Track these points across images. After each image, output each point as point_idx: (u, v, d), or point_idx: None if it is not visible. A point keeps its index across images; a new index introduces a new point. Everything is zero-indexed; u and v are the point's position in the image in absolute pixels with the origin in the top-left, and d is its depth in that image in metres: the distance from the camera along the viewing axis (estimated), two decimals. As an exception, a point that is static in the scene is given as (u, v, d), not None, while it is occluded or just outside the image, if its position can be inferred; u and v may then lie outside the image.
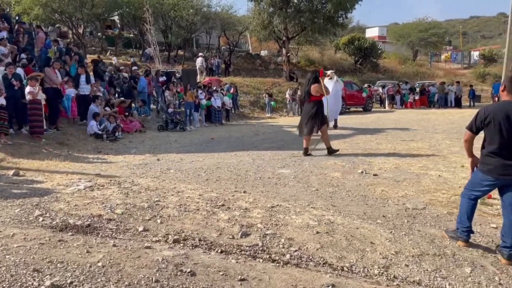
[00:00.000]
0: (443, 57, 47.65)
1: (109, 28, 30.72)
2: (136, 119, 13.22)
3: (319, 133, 8.47)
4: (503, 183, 3.68)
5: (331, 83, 11.86)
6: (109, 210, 4.38)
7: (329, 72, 12.73)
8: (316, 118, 8.25)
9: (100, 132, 10.46)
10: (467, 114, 18.80)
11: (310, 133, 8.31)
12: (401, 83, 27.56)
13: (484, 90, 31.22)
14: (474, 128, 3.79)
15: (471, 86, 27.84)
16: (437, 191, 5.70)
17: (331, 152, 8.42)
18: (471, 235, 3.93)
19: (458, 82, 27.21)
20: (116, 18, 29.41)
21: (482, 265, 3.60)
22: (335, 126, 13.26)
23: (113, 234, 3.80)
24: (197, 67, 23.83)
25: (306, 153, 8.36)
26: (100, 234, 3.78)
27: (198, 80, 19.77)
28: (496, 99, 26.37)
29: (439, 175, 6.57)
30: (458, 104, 25.22)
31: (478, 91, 29.73)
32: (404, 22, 49.21)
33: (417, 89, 26.41)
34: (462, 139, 9.72)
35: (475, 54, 47.29)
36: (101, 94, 12.11)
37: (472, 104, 25.63)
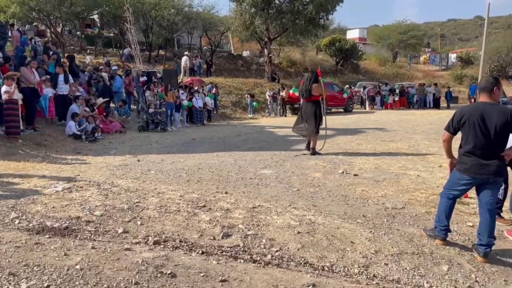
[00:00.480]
0: (422, 59, 48.49)
1: (89, 27, 30.25)
2: (117, 119, 13.04)
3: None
4: (479, 182, 3.77)
5: None
6: (87, 212, 4.30)
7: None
8: (319, 117, 8.56)
9: (79, 133, 10.28)
10: (445, 115, 19.18)
11: (317, 132, 8.58)
12: (381, 84, 27.94)
13: (461, 91, 31.89)
14: (451, 128, 3.88)
15: (448, 87, 28.43)
16: (415, 190, 5.79)
17: (314, 153, 8.49)
18: (449, 233, 4.01)
19: (436, 84, 27.73)
20: (95, 17, 29.00)
21: (459, 263, 3.67)
22: None
23: (92, 236, 3.74)
24: (182, 66, 24.20)
25: (314, 153, 8.49)
26: (79, 236, 3.71)
27: (180, 80, 19.75)
28: (473, 100, 27.03)
29: (418, 175, 6.68)
30: (436, 105, 25.73)
31: (455, 93, 30.40)
32: (384, 24, 49.89)
33: (397, 90, 26.82)
34: (440, 139, 9.89)
35: (452, 56, 48.32)
36: (80, 94, 11.89)
37: (448, 105, 26.18)
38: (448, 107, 25.64)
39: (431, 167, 7.28)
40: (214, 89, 19.71)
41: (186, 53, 26.56)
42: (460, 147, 3.87)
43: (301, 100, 9.00)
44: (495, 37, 43.00)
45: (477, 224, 4.61)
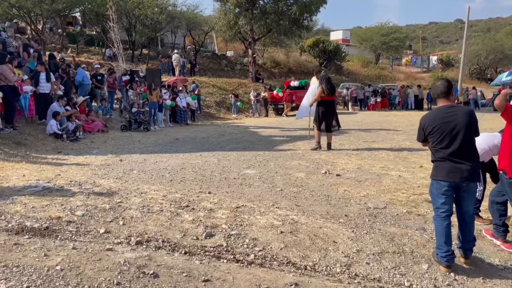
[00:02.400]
0: (404, 61, 49.27)
1: (70, 24, 29.73)
2: (100, 119, 12.87)
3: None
4: (454, 187, 3.63)
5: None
6: (68, 212, 4.25)
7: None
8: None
9: (60, 132, 10.10)
10: (426, 116, 19.50)
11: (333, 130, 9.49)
12: (363, 85, 28.25)
13: (442, 93, 32.44)
14: (421, 138, 3.90)
15: (429, 89, 28.87)
16: (397, 190, 5.88)
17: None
18: (455, 258, 3.64)
19: (419, 85, 28.19)
20: (77, 14, 28.52)
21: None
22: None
23: (73, 237, 3.69)
24: (174, 64, 24.45)
25: (330, 147, 9.29)
26: (59, 236, 3.67)
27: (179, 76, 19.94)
28: (456, 101, 27.55)
29: (399, 175, 6.78)
30: (419, 106, 26.11)
31: (436, 95, 30.86)
32: (367, 26, 50.50)
33: (377, 91, 27.17)
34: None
35: (433, 59, 49.20)
36: (61, 93, 11.69)
37: (430, 107, 26.60)
38: (429, 109, 26.03)
39: (412, 168, 7.39)
40: (198, 89, 19.68)
41: (175, 51, 26.74)
42: (432, 158, 3.81)
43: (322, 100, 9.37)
44: (475, 40, 44.01)
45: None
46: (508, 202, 4.18)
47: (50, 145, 9.31)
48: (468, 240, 3.70)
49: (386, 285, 3.31)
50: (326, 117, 9.30)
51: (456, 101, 27.44)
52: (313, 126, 9.58)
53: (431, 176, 3.83)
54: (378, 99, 26.29)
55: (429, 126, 3.73)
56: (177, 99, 16.31)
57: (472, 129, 3.63)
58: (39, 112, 11.05)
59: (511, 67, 11.29)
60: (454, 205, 3.75)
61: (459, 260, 3.73)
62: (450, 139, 3.60)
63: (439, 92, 3.80)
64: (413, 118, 18.53)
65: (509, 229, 4.39)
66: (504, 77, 11.68)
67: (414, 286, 3.31)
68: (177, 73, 24.19)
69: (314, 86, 11.35)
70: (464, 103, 26.87)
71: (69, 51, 24.90)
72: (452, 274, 3.53)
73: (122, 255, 3.31)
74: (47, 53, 16.56)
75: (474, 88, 28.33)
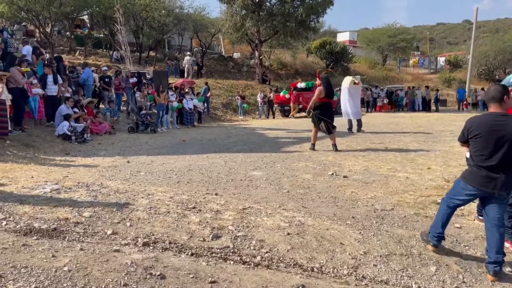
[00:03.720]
0: (411, 62, 49.04)
1: (78, 27, 29.99)
2: (107, 121, 12.94)
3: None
4: (483, 195, 3.66)
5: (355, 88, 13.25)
6: (76, 213, 4.27)
7: (357, 80, 13.77)
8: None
9: (69, 133, 10.18)
10: (433, 118, 19.41)
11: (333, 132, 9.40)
12: (370, 87, 28.15)
13: (450, 94, 32.25)
14: (462, 139, 3.82)
15: (437, 90, 28.72)
16: (404, 192, 5.84)
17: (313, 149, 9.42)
18: (442, 241, 3.91)
19: (427, 86, 28.00)
20: (85, 17, 28.78)
21: (447, 264, 3.71)
22: (355, 129, 13.38)
23: (81, 238, 3.71)
24: (186, 67, 25.21)
25: (336, 148, 9.30)
26: (67, 238, 3.68)
27: (187, 78, 20.34)
28: (465, 102, 27.34)
29: (407, 177, 6.74)
30: (426, 107, 25.90)
31: (444, 96, 30.73)
32: (374, 27, 50.34)
33: (387, 93, 27.06)
34: (428, 141, 9.94)
35: (441, 60, 48.94)
36: (69, 95, 11.78)
37: (437, 108, 26.42)
38: (437, 110, 25.87)
39: (419, 169, 7.34)
40: (209, 92, 19.84)
41: (188, 53, 27.57)
42: (470, 157, 3.74)
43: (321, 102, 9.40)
44: (483, 41, 43.73)
45: (465, 225, 4.70)
46: None
47: (58, 146, 9.38)
48: (496, 252, 3.50)
49: (393, 287, 3.29)
50: (325, 120, 9.22)
51: (464, 102, 27.31)
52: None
53: (462, 178, 3.78)
54: (385, 101, 26.17)
55: (475, 130, 3.61)
56: (184, 101, 16.36)
57: None
58: (47, 114, 11.15)
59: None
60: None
61: (488, 278, 3.50)
62: (494, 149, 3.48)
63: (490, 96, 3.64)
64: (420, 120, 18.45)
65: (518, 231, 4.35)
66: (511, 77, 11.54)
67: (422, 288, 3.29)
68: (190, 76, 24.77)
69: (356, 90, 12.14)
70: (472, 105, 26.70)
71: (77, 54, 25.13)
72: (460, 276, 3.50)
73: (129, 256, 3.31)
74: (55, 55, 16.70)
75: (482, 89, 28.12)
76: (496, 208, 3.57)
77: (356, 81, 13.47)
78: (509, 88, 3.97)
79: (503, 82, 13.42)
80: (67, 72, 13.92)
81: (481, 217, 4.82)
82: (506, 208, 4.28)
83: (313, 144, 9.48)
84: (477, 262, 3.78)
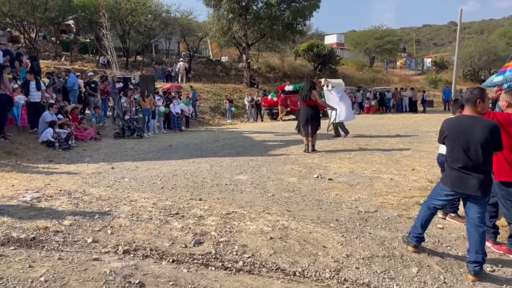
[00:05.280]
0: (398, 63, 49.36)
1: (64, 32, 29.71)
2: (93, 127, 12.82)
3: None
4: (461, 196, 3.71)
5: (331, 94, 12.85)
6: (56, 222, 4.20)
7: (322, 81, 13.46)
8: (318, 120, 9.68)
9: (53, 140, 10.05)
10: (420, 119, 19.57)
11: (314, 133, 9.63)
12: (358, 89, 28.32)
13: (436, 95, 32.57)
14: (440, 141, 3.88)
15: (423, 91, 29.00)
16: (388, 194, 5.87)
17: (314, 150, 9.63)
18: (422, 242, 3.96)
19: (412, 88, 28.28)
20: (71, 22, 28.52)
21: (428, 265, 3.73)
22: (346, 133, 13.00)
23: (60, 247, 3.65)
24: (179, 72, 25.77)
25: (313, 149, 9.64)
26: (46, 247, 3.62)
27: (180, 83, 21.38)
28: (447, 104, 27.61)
29: (391, 179, 6.77)
30: (413, 109, 26.14)
31: (430, 97, 31.03)
32: (361, 30, 50.61)
33: (376, 95, 27.24)
34: (414, 142, 9.98)
35: (427, 61, 49.34)
36: (53, 101, 11.65)
37: (424, 109, 26.67)
38: (424, 111, 26.11)
39: (404, 171, 7.39)
40: (197, 96, 19.85)
41: (181, 59, 28.12)
42: (446, 159, 3.80)
43: (300, 104, 9.99)
44: (468, 42, 44.23)
45: (447, 226, 4.73)
46: (499, 204, 4.17)
47: (41, 153, 9.25)
48: (476, 252, 3.52)
49: (375, 290, 3.29)
50: (303, 121, 9.67)
51: (451, 102, 27.59)
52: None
53: (440, 179, 3.88)
54: (373, 102, 26.35)
55: (446, 131, 3.70)
56: (171, 105, 16.29)
57: (489, 144, 3.46)
58: (30, 120, 11.00)
59: (501, 68, 11.28)
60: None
61: (468, 278, 3.52)
62: (463, 150, 3.54)
63: (465, 99, 3.69)
64: (407, 121, 18.60)
65: (499, 230, 4.39)
66: (494, 77, 11.71)
67: (403, 290, 3.29)
68: (184, 80, 25.36)
69: (332, 96, 12.47)
70: (458, 105, 26.97)
71: (63, 59, 24.87)
72: (441, 277, 3.52)
73: (109, 264, 3.27)
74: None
75: (468, 89, 28.44)
76: (475, 208, 3.59)
77: (322, 82, 13.37)
78: (495, 89, 4.03)
79: (485, 82, 13.58)
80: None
81: (452, 214, 4.90)
82: (488, 208, 4.33)
83: (313, 146, 9.70)
84: (459, 262, 3.80)
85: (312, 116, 9.55)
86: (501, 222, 4.51)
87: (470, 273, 3.53)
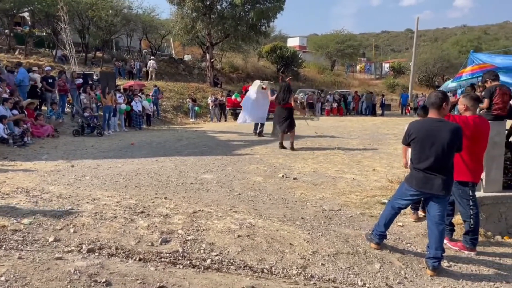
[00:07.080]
0: (358, 67, 50.72)
1: (18, 25, 28.38)
2: (51, 124, 12.32)
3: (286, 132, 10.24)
4: (425, 196, 3.85)
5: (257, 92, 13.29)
6: (14, 221, 4.03)
7: (265, 84, 13.84)
8: (292, 120, 10.13)
9: (6, 137, 9.59)
10: (379, 122, 20.21)
11: (292, 128, 10.10)
12: (319, 91, 28.87)
13: (393, 99, 33.70)
14: (405, 142, 4.01)
15: (383, 95, 29.97)
16: (351, 193, 6.03)
17: (293, 149, 9.95)
18: (384, 240, 4.11)
19: (370, 92, 29.15)
20: (26, 14, 27.31)
21: (390, 261, 3.87)
22: (260, 133, 13.32)
23: (19, 246, 3.50)
24: (150, 70, 25.69)
25: (282, 146, 10.12)
26: (4, 246, 3.47)
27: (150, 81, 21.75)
28: (408, 107, 28.69)
29: (353, 178, 6.96)
30: (373, 112, 26.96)
31: (388, 101, 32.08)
32: (323, 34, 51.60)
33: (336, 97, 27.86)
34: (373, 144, 10.29)
35: (386, 66, 50.96)
36: (7, 96, 11.11)
37: (382, 112, 27.57)
38: (382, 114, 26.99)
39: (365, 171, 7.61)
40: (161, 94, 19.54)
41: (152, 57, 27.83)
42: (411, 160, 3.93)
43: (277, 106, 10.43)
44: (424, 49, 46.04)
45: (407, 224, 4.92)
46: (455, 202, 4.39)
47: (-5, 150, 8.81)
48: (435, 249, 3.67)
49: (340, 285, 3.38)
50: (280, 121, 10.27)
51: (407, 107, 28.68)
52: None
53: (405, 180, 3.98)
54: (334, 105, 26.93)
55: (413, 134, 3.81)
56: (133, 103, 15.94)
57: (454, 146, 3.65)
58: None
59: (457, 75, 11.87)
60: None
61: (427, 272, 3.68)
62: (429, 152, 3.67)
63: (430, 102, 3.81)
64: (366, 124, 19.15)
65: (455, 228, 4.62)
66: (449, 83, 12.28)
67: (367, 285, 3.40)
68: (154, 78, 25.38)
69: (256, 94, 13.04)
70: (414, 109, 28.09)
71: (17, 53, 23.75)
72: (402, 272, 3.66)
73: (73, 263, 3.17)
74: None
75: (423, 94, 29.66)
76: (437, 206, 3.75)
77: (264, 86, 13.59)
78: (450, 94, 4.27)
79: (441, 88, 14.19)
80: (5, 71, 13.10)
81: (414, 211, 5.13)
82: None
83: (291, 143, 10.08)
84: (418, 258, 3.97)
85: (287, 117, 10.08)
86: (457, 220, 4.75)
87: (429, 268, 3.69)
